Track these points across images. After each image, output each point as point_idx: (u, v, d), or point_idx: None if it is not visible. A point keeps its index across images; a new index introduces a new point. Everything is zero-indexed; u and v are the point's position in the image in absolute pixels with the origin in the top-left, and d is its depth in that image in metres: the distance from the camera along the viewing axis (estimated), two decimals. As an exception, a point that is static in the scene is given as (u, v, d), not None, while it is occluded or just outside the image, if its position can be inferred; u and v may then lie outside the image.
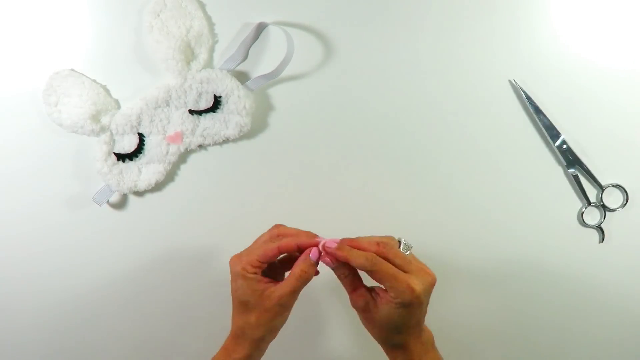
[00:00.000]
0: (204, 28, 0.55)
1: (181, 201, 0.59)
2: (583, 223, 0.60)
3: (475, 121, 0.59)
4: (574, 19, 0.57)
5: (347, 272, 0.49)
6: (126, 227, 0.60)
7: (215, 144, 0.58)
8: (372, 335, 0.50)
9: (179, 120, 0.56)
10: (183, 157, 0.59)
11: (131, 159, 0.57)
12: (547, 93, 0.58)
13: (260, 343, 0.49)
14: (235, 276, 0.48)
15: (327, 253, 0.48)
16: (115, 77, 0.57)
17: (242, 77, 0.57)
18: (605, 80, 0.58)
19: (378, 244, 0.47)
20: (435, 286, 0.47)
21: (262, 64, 0.57)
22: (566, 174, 0.60)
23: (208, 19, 0.56)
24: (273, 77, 0.56)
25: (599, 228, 0.61)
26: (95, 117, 0.56)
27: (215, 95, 0.56)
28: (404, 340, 0.48)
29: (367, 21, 0.56)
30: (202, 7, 0.56)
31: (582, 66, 0.58)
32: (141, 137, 0.57)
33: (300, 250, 0.48)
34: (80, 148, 0.58)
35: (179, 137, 0.57)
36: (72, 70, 0.56)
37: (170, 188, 0.59)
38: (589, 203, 0.60)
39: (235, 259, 0.48)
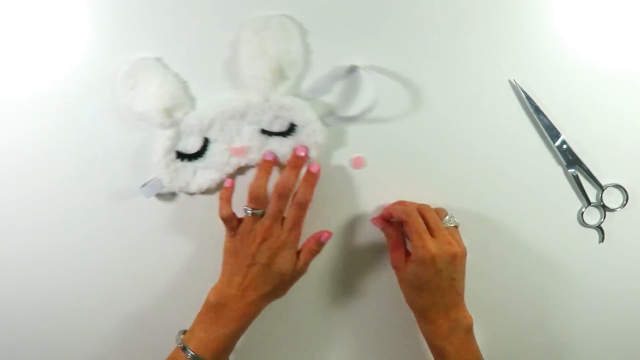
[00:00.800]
0: (299, 56, 0.55)
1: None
2: (583, 223, 0.60)
3: (475, 121, 0.59)
4: (575, 19, 0.57)
5: (392, 232, 0.57)
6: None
7: (275, 166, 0.58)
8: (405, 298, 0.56)
9: (248, 135, 0.56)
10: (241, 169, 0.59)
11: (190, 160, 0.57)
12: (547, 93, 0.58)
13: None
14: (290, 260, 0.54)
15: (378, 217, 0.58)
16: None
17: (321, 107, 0.57)
18: (605, 80, 0.58)
19: (419, 205, 0.56)
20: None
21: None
22: (566, 174, 0.60)
23: (306, 46, 0.56)
24: (353, 120, 0.56)
25: (599, 228, 0.61)
26: (169, 112, 0.55)
27: (291, 122, 0.56)
28: (426, 305, 0.53)
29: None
30: (304, 34, 0.56)
31: (582, 66, 0.58)
32: (206, 141, 0.57)
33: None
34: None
35: (243, 151, 0.57)
36: (159, 59, 0.55)
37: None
38: (589, 203, 0.60)
39: (291, 247, 0.54)
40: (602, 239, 0.61)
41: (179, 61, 0.56)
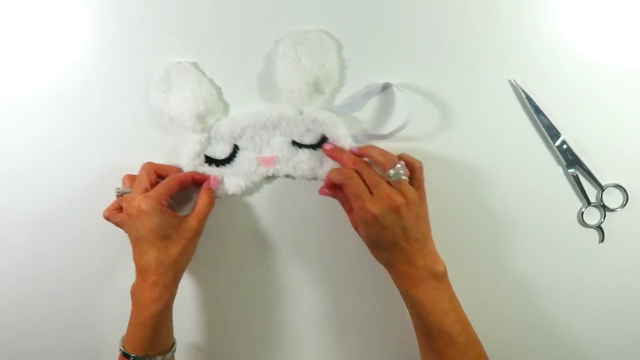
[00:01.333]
0: (335, 70, 0.56)
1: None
2: (583, 223, 0.60)
3: (475, 121, 0.59)
4: (575, 18, 0.57)
5: (343, 197, 0.56)
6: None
7: (303, 177, 0.59)
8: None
9: (279, 146, 0.57)
10: (268, 178, 0.60)
11: (217, 166, 0.58)
12: (547, 93, 0.58)
13: (181, 274, 0.55)
14: (152, 212, 0.52)
15: (324, 186, 0.56)
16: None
17: (352, 123, 0.58)
18: (605, 80, 0.58)
19: (355, 162, 0.54)
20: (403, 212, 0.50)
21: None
22: (566, 174, 0.60)
23: (341, 61, 0.57)
24: (384, 139, 0.57)
25: (599, 228, 0.60)
26: (202, 117, 0.56)
27: (322, 136, 0.57)
28: (389, 259, 0.52)
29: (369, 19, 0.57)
30: (339, 48, 0.56)
31: (582, 66, 0.58)
32: (235, 148, 0.57)
33: (194, 182, 0.57)
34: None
35: (272, 161, 0.58)
36: (194, 64, 0.56)
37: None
38: (589, 203, 0.60)
39: (144, 199, 0.52)
40: (602, 239, 0.61)
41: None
